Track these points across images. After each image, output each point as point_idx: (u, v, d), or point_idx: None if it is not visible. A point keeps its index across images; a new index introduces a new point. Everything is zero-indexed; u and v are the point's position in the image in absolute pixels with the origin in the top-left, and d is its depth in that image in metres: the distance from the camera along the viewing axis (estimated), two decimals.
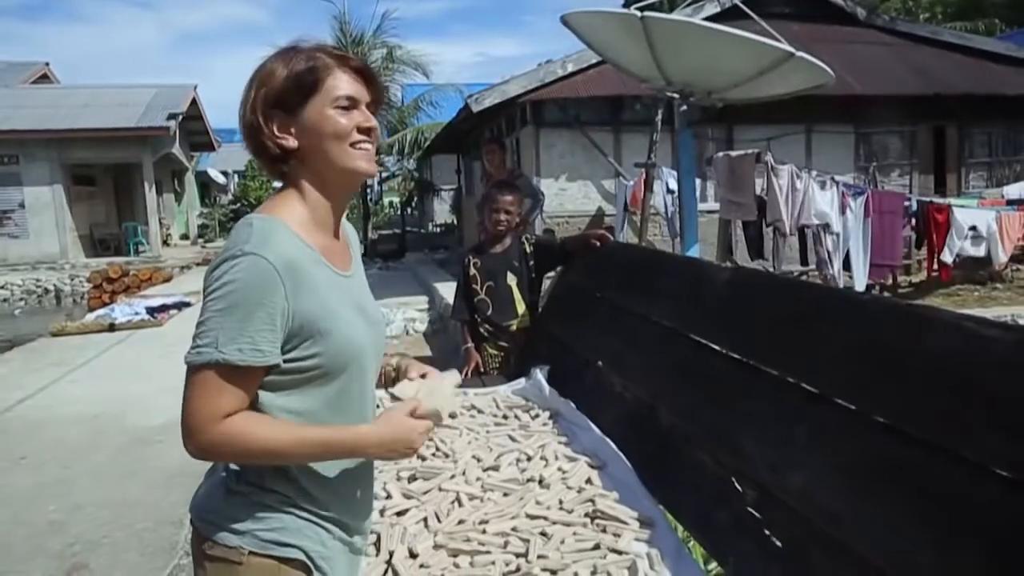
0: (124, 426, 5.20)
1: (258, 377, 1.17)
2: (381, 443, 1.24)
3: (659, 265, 2.81)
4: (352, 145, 1.25)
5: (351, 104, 1.25)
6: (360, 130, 1.26)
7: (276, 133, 1.25)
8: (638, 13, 4.50)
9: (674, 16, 5.15)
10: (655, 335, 2.45)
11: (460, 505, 2.00)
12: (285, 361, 1.18)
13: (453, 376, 1.51)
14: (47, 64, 24.93)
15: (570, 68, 9.73)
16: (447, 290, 8.91)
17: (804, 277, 8.67)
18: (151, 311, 10.11)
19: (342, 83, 1.24)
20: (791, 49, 4.57)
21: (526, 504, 1.99)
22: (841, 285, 6.63)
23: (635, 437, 2.27)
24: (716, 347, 2.03)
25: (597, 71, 9.68)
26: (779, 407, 1.68)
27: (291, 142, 1.25)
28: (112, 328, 9.28)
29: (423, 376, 1.48)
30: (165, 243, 20.48)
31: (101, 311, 10.59)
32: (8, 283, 16.15)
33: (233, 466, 1.25)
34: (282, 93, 1.23)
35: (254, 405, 1.19)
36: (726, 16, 8.62)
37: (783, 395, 1.68)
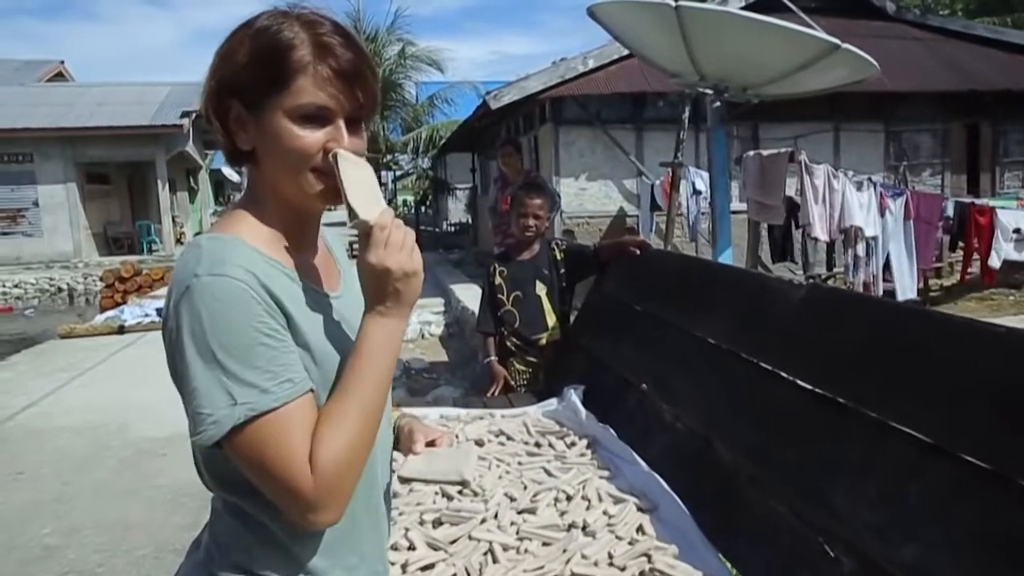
0: (129, 437, 5.00)
1: (311, 404, 0.91)
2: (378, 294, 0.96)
3: (712, 277, 2.53)
4: (314, 171, 0.95)
5: (322, 115, 0.94)
6: (327, 152, 0.94)
7: (231, 127, 0.96)
8: (672, 3, 4.23)
9: (712, 6, 4.87)
10: (709, 357, 2.18)
11: (494, 559, 1.74)
12: None
13: (470, 449, 1.27)
14: (62, 62, 24.97)
15: (591, 64, 9.45)
16: (463, 292, 8.68)
17: (831, 281, 8.37)
18: (161, 312, 9.93)
19: (314, 86, 0.92)
20: (836, 41, 4.28)
21: (571, 558, 1.72)
22: (880, 292, 6.31)
23: (689, 475, 2.00)
24: (789, 377, 1.76)
25: (619, 67, 9.41)
26: (882, 457, 1.41)
27: (244, 142, 0.96)
28: (121, 330, 9.11)
29: (431, 444, 1.21)
30: (179, 241, 20.37)
31: (111, 312, 10.43)
32: (22, 281, 16.09)
33: (216, 542, 0.99)
34: (240, 80, 0.93)
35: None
36: (753, 9, 8.32)
37: (887, 443, 1.40)
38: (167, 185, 18.66)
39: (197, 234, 1.04)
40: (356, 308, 1.08)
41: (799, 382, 1.72)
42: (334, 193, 0.96)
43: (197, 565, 1.02)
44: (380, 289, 0.95)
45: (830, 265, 8.49)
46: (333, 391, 0.94)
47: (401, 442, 1.21)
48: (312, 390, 0.91)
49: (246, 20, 0.97)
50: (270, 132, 0.94)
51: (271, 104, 0.93)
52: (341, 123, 0.95)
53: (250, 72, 0.92)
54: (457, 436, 2.10)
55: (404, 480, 1.14)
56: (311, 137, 0.93)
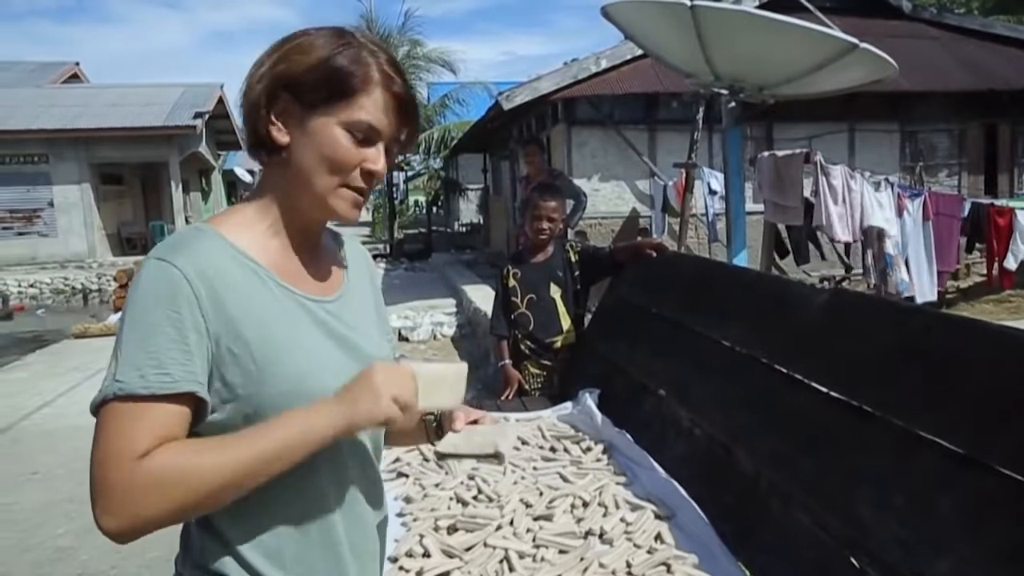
0: None
1: (179, 414, 0.88)
2: (333, 408, 0.92)
3: (730, 280, 2.49)
4: (344, 184, 0.98)
5: (369, 136, 0.98)
6: (362, 171, 0.99)
7: (272, 118, 0.97)
8: (688, 2, 4.19)
9: (727, 5, 4.82)
10: (728, 362, 2.14)
11: (510, 567, 1.71)
12: (218, 408, 0.92)
13: (509, 428, 1.23)
14: (77, 64, 25.15)
15: (604, 64, 9.40)
16: (475, 292, 8.66)
17: (845, 284, 8.28)
18: None
19: (374, 107, 0.97)
20: (854, 40, 4.22)
21: (588, 567, 1.70)
22: (905, 294, 6.23)
23: (708, 483, 1.97)
24: (813, 383, 1.72)
25: (632, 67, 9.35)
26: (910, 468, 1.37)
27: (282, 136, 0.98)
28: None
29: (473, 423, 1.19)
30: None
31: None
32: (37, 281, 16.20)
33: (184, 543, 0.99)
34: (302, 78, 0.96)
35: None
36: (768, 8, 8.24)
37: (916, 453, 1.36)
38: (180, 186, 18.73)
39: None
40: (353, 313, 1.07)
41: (823, 389, 1.68)
42: (352, 206, 1.00)
43: (176, 563, 1.03)
44: (358, 394, 0.93)
45: (848, 267, 8.41)
46: (233, 436, 0.90)
47: (443, 424, 1.18)
48: (194, 394, 0.88)
49: (321, 29, 1.00)
50: (317, 135, 0.96)
51: (328, 111, 0.96)
52: (382, 147, 1.00)
53: (318, 75, 0.95)
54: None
55: (441, 456, 1.12)
56: (355, 151, 0.97)
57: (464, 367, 1.08)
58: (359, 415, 0.92)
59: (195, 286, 0.89)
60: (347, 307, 1.07)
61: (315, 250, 1.07)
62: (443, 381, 1.04)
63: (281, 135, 0.97)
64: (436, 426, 1.20)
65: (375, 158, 0.99)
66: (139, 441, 0.85)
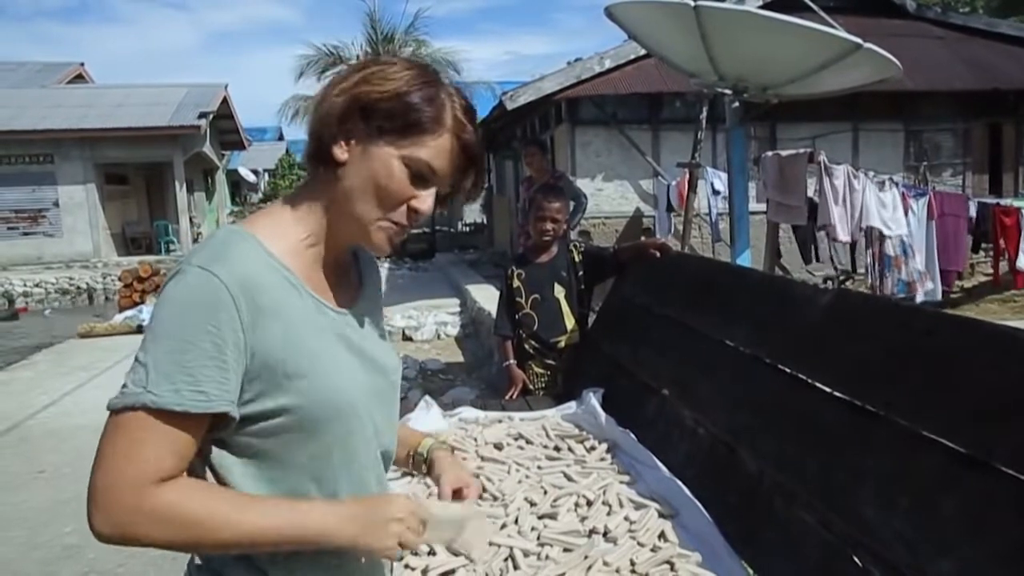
0: None
1: (200, 431, 0.88)
2: (347, 523, 0.93)
3: (734, 281, 2.50)
4: (386, 217, 0.98)
5: (425, 176, 0.98)
6: (408, 208, 0.98)
7: (339, 134, 0.97)
8: (691, 2, 4.19)
9: (731, 5, 4.82)
10: (732, 362, 2.15)
11: (515, 565, 1.72)
12: (243, 417, 0.91)
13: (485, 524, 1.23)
14: (82, 64, 25.24)
15: (607, 64, 9.41)
16: (479, 292, 8.67)
17: (848, 283, 8.27)
18: None
19: (437, 148, 0.97)
20: (858, 40, 4.23)
21: (592, 565, 1.70)
22: (901, 295, 6.23)
23: (712, 482, 1.98)
24: (816, 384, 1.73)
25: (635, 67, 9.36)
26: (914, 468, 1.37)
27: (342, 153, 0.97)
28: (140, 330, 9.16)
29: (458, 493, 1.17)
30: (196, 241, 20.51)
31: (129, 312, 10.51)
32: (43, 281, 16.26)
33: None
34: (378, 104, 0.96)
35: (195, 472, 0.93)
36: (772, 8, 8.24)
37: (919, 453, 1.37)
38: (184, 185, 18.78)
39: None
40: (367, 325, 1.08)
41: (826, 389, 1.69)
42: (389, 239, 0.99)
43: (188, 566, 1.03)
44: (371, 522, 0.94)
45: (853, 267, 8.39)
46: (251, 501, 0.91)
47: (430, 466, 1.19)
48: (226, 414, 0.88)
49: (409, 62, 1.01)
50: (376, 161, 0.96)
51: (393, 141, 0.96)
52: (434, 191, 0.99)
53: (394, 105, 0.95)
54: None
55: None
56: (407, 186, 0.97)
57: (482, 515, 1.09)
58: (363, 544, 0.93)
59: (236, 299, 0.88)
60: (363, 318, 1.08)
61: (338, 261, 1.07)
62: (454, 525, 1.06)
63: (342, 152, 0.97)
64: (424, 464, 1.24)
65: (424, 198, 0.98)
66: (159, 461, 0.85)
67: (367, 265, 1.17)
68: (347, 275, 1.10)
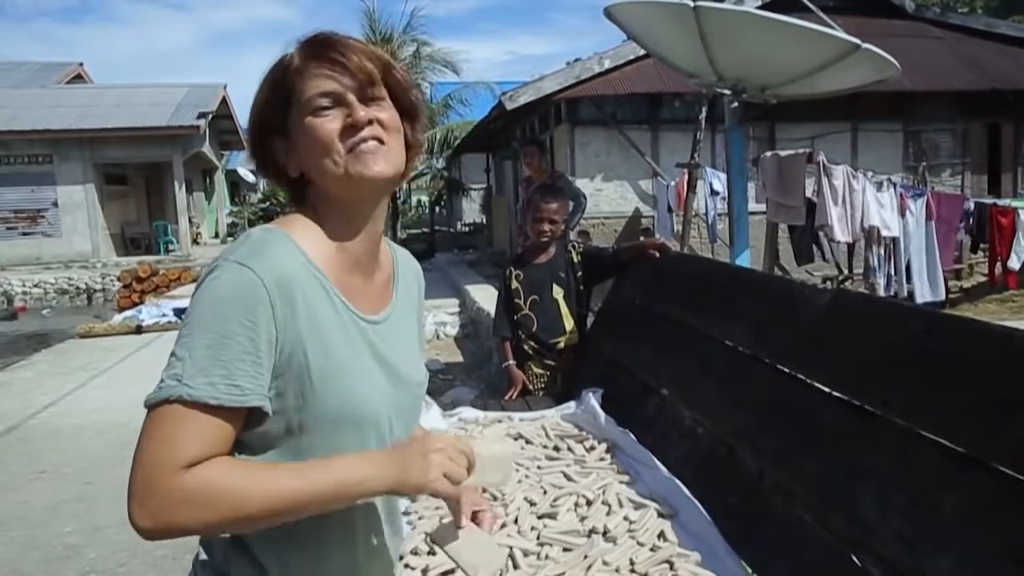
0: None
1: (235, 425, 0.89)
2: (384, 466, 0.92)
3: (733, 281, 2.51)
4: (350, 151, 0.97)
5: (333, 102, 0.97)
6: (349, 128, 0.97)
7: (281, 162, 1.02)
8: (690, 3, 4.20)
9: (730, 6, 4.83)
10: (731, 362, 2.16)
11: (515, 565, 1.73)
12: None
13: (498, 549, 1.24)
14: (81, 64, 25.23)
15: (607, 64, 9.41)
16: (478, 292, 8.66)
17: (847, 284, 8.28)
18: (178, 312, 9.97)
19: (315, 81, 0.97)
20: (856, 41, 4.23)
21: (592, 565, 1.71)
22: (905, 294, 6.24)
23: (711, 482, 1.98)
24: (816, 383, 1.73)
25: (634, 67, 9.36)
26: (912, 467, 1.38)
27: (295, 169, 1.01)
28: (139, 330, 9.16)
29: (475, 517, 1.15)
30: (195, 242, 20.52)
31: (129, 312, 10.50)
32: (42, 281, 16.26)
33: (205, 543, 1.01)
34: (266, 115, 1.01)
35: None
36: (771, 8, 8.25)
37: (918, 452, 1.38)
38: (184, 186, 18.77)
39: (254, 226, 1.07)
40: (396, 336, 1.07)
41: (825, 388, 1.70)
42: (371, 159, 0.97)
43: (194, 564, 1.04)
44: (410, 459, 0.94)
45: (850, 267, 8.40)
46: (285, 466, 0.91)
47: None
48: (260, 408, 0.89)
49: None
50: (302, 138, 0.98)
51: (294, 118, 0.99)
52: (352, 98, 0.98)
53: (270, 103, 1.00)
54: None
55: (433, 542, 1.11)
56: (329, 120, 0.97)
57: (517, 449, 1.09)
58: (409, 481, 0.92)
59: (272, 295, 0.89)
60: (392, 327, 1.07)
61: (371, 264, 1.06)
62: (498, 462, 1.05)
63: (295, 168, 1.01)
64: None
65: (351, 110, 0.97)
66: (191, 450, 0.84)
67: (406, 270, 1.17)
68: (382, 279, 1.09)
